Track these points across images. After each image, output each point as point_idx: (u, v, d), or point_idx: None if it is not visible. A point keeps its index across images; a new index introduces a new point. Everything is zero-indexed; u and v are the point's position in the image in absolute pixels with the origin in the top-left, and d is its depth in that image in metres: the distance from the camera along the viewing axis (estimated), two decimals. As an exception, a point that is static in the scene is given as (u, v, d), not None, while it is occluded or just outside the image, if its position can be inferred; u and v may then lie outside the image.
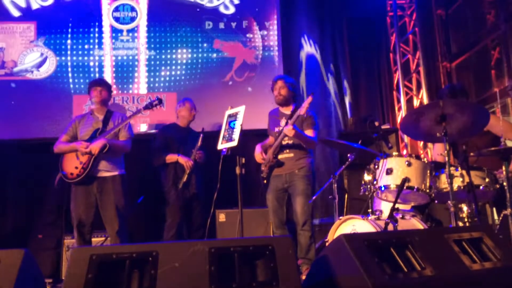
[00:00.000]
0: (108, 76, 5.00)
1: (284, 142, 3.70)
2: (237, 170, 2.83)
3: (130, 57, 5.11)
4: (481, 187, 2.88)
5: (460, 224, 2.84)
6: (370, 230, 2.85)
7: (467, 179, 2.79)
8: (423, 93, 5.53)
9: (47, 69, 4.98)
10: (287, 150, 3.72)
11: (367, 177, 3.12)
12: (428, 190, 2.93)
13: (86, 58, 5.05)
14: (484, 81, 5.09)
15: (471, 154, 2.87)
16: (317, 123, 3.79)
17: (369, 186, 3.09)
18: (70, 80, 4.99)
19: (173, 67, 5.13)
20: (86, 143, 3.59)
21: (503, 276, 1.78)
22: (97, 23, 5.12)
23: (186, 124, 4.25)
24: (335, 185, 3.52)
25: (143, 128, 4.97)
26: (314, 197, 3.59)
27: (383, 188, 2.98)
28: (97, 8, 5.15)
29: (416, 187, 2.89)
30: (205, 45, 5.19)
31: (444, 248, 1.80)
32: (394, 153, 3.14)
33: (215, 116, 5.07)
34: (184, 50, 5.17)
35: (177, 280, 1.50)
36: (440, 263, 1.70)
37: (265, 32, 5.29)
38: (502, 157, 2.76)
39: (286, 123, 3.57)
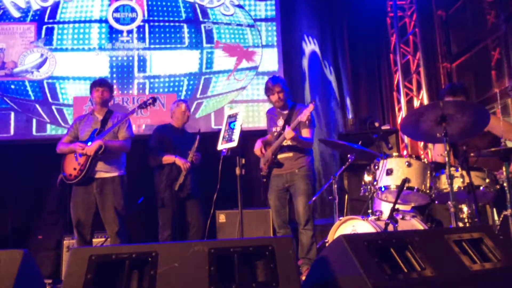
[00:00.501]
0: (108, 77, 5.00)
1: (284, 143, 3.71)
2: (237, 171, 2.84)
3: (130, 58, 5.11)
4: (481, 188, 2.87)
5: (460, 224, 2.83)
6: (370, 231, 2.84)
7: (467, 180, 2.78)
8: (423, 93, 5.53)
9: (47, 70, 4.98)
10: (286, 150, 3.73)
11: (367, 178, 3.12)
12: (428, 191, 2.93)
13: (86, 58, 5.05)
14: (484, 82, 5.09)
15: (471, 154, 2.87)
16: (314, 123, 3.79)
17: (369, 186, 3.08)
18: (71, 81, 4.99)
19: (173, 68, 5.13)
20: (83, 144, 3.60)
21: (503, 277, 1.78)
22: (97, 24, 5.13)
23: (181, 125, 4.24)
24: (335, 185, 3.51)
25: (143, 128, 4.97)
26: (314, 198, 3.59)
27: (383, 189, 2.98)
28: (97, 9, 5.15)
29: (416, 187, 2.88)
30: (205, 45, 5.19)
31: (444, 249, 1.79)
32: (394, 154, 3.14)
33: (215, 116, 5.10)
34: (184, 51, 5.18)
35: (176, 281, 1.50)
36: (440, 264, 1.70)
37: (265, 33, 5.29)
38: (502, 158, 2.75)
39: (284, 127, 3.60)
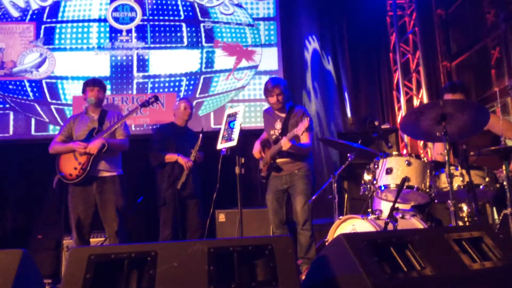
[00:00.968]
0: (108, 77, 5.00)
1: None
2: (237, 170, 2.83)
3: (130, 57, 5.11)
4: (481, 187, 2.87)
5: (460, 223, 2.83)
6: (370, 230, 2.84)
7: (467, 179, 2.78)
8: (423, 92, 5.53)
9: (47, 70, 4.97)
10: (285, 156, 3.69)
11: (367, 177, 3.11)
12: (428, 190, 2.93)
13: (85, 58, 5.04)
14: (484, 81, 5.09)
15: (471, 153, 2.87)
16: (312, 126, 3.75)
17: (369, 185, 3.08)
18: (70, 81, 4.99)
19: (173, 67, 5.13)
20: (84, 143, 3.56)
21: (503, 276, 1.78)
22: (96, 23, 5.12)
23: (183, 123, 4.23)
24: (335, 184, 3.51)
25: (142, 128, 4.97)
26: (314, 197, 3.58)
27: (383, 188, 2.97)
28: (97, 8, 5.15)
29: (416, 186, 2.88)
30: (205, 44, 5.19)
31: (444, 248, 1.79)
32: (394, 153, 3.13)
33: (215, 115, 5.10)
34: (184, 50, 5.17)
35: (176, 280, 1.49)
36: (440, 263, 1.70)
37: (265, 32, 5.28)
38: (502, 157, 2.75)
39: (282, 131, 3.63)
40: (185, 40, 5.19)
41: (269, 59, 5.24)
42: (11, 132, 4.83)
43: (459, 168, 2.86)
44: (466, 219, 2.87)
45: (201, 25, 5.22)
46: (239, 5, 5.31)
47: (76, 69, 5.01)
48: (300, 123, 3.39)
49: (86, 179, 3.58)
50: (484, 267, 1.76)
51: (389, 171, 2.96)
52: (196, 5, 5.26)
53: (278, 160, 3.71)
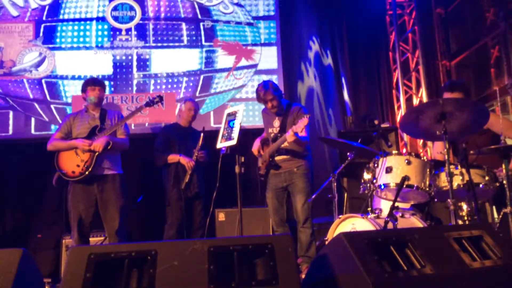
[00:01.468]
0: (107, 76, 4.99)
1: (282, 146, 3.69)
2: (237, 169, 2.83)
3: (129, 57, 5.10)
4: (481, 185, 2.87)
5: (460, 222, 2.83)
6: (369, 229, 2.84)
7: (466, 178, 2.78)
8: (423, 91, 5.53)
9: (46, 69, 4.97)
10: (284, 153, 3.71)
11: (366, 176, 3.11)
12: (427, 189, 2.93)
13: (85, 57, 5.04)
14: (483, 80, 5.09)
15: (471, 152, 2.87)
16: (309, 122, 3.76)
17: (368, 184, 3.08)
18: (70, 80, 4.98)
19: (173, 66, 5.12)
20: (88, 140, 3.55)
21: (503, 274, 1.78)
22: (95, 22, 5.11)
23: (187, 124, 4.24)
24: (335, 183, 3.52)
25: (142, 127, 4.96)
26: (313, 196, 3.59)
27: (382, 187, 2.98)
28: (96, 8, 5.14)
29: (415, 185, 2.88)
30: (204, 44, 5.18)
31: (444, 246, 1.79)
32: (394, 152, 3.13)
33: (214, 114, 5.09)
34: (184, 49, 5.17)
35: (176, 279, 1.49)
36: (440, 261, 1.70)
37: (265, 31, 5.28)
38: (502, 155, 2.75)
39: (280, 128, 3.62)
40: (184, 39, 5.18)
41: (268, 58, 5.23)
42: (10, 132, 4.82)
43: (459, 167, 2.87)
44: (466, 218, 2.87)
45: (201, 24, 5.22)
46: (238, 4, 5.31)
47: (76, 68, 5.00)
48: (300, 121, 3.40)
49: (89, 177, 3.56)
50: (484, 265, 1.76)
51: (388, 170, 2.96)
52: (195, 4, 5.25)
53: (277, 158, 3.72)
